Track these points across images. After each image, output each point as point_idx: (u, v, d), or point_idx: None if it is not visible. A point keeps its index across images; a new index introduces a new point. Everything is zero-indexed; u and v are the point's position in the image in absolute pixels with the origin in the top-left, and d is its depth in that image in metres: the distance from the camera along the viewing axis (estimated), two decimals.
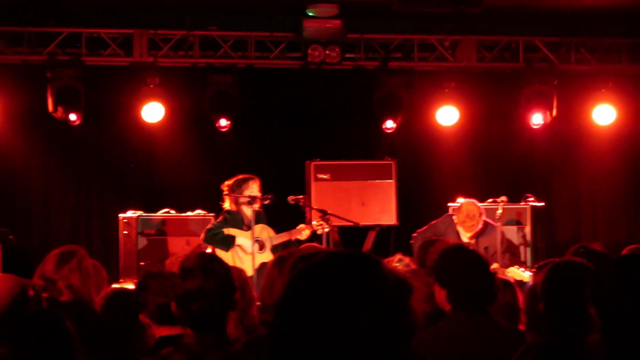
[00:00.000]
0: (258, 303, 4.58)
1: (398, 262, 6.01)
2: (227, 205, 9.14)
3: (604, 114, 11.20)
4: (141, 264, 9.98)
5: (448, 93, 10.96)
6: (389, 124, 10.96)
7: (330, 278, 1.86)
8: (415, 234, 9.62)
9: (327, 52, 10.49)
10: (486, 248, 9.18)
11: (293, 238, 9.10)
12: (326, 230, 9.13)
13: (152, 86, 10.55)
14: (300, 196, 9.37)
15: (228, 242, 8.95)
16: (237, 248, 8.96)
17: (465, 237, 9.26)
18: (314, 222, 9.24)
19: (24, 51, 10.54)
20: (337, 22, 10.46)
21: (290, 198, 9.24)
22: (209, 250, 8.79)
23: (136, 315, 4.24)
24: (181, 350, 3.65)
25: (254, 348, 3.96)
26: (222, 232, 8.98)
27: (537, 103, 10.98)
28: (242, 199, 9.03)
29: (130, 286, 4.80)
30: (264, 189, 9.06)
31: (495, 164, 12.09)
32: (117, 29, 10.67)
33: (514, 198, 10.22)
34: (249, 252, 8.90)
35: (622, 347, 2.63)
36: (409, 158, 11.52)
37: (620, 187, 12.24)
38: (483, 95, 11.30)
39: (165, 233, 10.31)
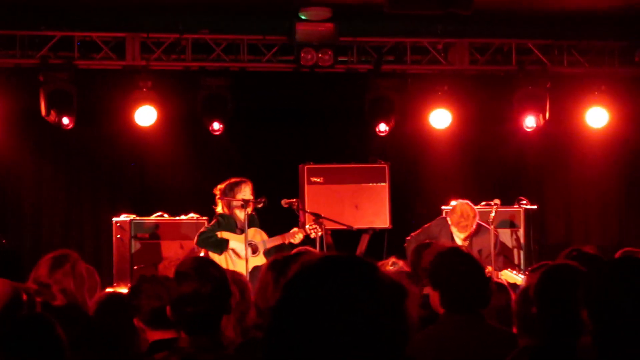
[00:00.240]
0: None
1: (392, 265, 6.03)
2: (220, 208, 9.14)
3: (596, 117, 11.20)
4: (135, 267, 9.96)
5: (441, 96, 10.96)
6: (382, 127, 10.95)
7: (325, 281, 1.86)
8: (408, 237, 9.61)
9: (320, 55, 10.48)
10: (480, 250, 9.19)
11: (286, 241, 9.10)
12: (320, 233, 9.13)
13: (144, 90, 10.53)
14: (294, 199, 9.38)
15: (221, 246, 8.95)
16: (230, 251, 8.96)
17: (459, 239, 9.26)
18: (307, 226, 9.25)
19: (16, 54, 10.50)
20: (329, 25, 10.45)
21: (284, 201, 9.25)
22: (202, 253, 8.79)
23: (130, 319, 4.24)
24: (176, 353, 3.65)
25: (248, 351, 3.96)
26: (216, 235, 8.98)
27: (529, 106, 10.98)
28: (234, 203, 9.03)
29: (124, 290, 4.78)
30: (256, 192, 9.07)
31: (489, 167, 12.09)
32: (110, 32, 10.64)
33: (507, 201, 10.23)
34: (242, 256, 8.90)
35: (614, 350, 2.64)
36: (402, 161, 11.52)
37: (613, 189, 12.26)
38: (476, 98, 11.31)
39: (158, 237, 10.29)
